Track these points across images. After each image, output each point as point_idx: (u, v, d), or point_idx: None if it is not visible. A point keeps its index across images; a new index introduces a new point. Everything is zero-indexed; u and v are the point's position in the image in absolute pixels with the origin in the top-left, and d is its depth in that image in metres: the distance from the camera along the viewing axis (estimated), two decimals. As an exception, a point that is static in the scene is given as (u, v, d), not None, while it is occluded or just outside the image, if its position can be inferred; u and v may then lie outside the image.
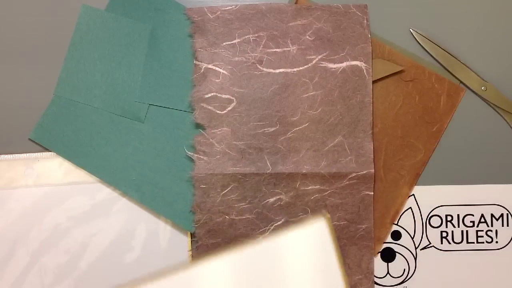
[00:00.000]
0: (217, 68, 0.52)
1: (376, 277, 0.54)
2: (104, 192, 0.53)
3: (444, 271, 0.54)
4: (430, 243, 0.54)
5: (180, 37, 0.53)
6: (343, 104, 0.52)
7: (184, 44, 0.53)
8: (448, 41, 0.54)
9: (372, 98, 0.53)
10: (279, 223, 0.52)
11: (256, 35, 0.52)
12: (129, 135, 0.53)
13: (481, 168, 0.55)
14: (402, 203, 0.54)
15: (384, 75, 0.53)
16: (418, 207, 0.54)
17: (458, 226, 0.54)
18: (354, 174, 0.52)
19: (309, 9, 0.53)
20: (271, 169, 0.52)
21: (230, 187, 0.52)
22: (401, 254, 0.54)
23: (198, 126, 0.52)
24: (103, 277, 0.52)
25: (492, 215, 0.54)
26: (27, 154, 0.53)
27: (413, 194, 0.54)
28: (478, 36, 0.54)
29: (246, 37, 0.52)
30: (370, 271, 0.53)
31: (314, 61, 0.52)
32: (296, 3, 0.54)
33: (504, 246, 0.54)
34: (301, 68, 0.52)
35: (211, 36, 0.52)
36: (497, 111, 0.54)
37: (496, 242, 0.54)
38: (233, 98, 0.52)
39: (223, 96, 0.52)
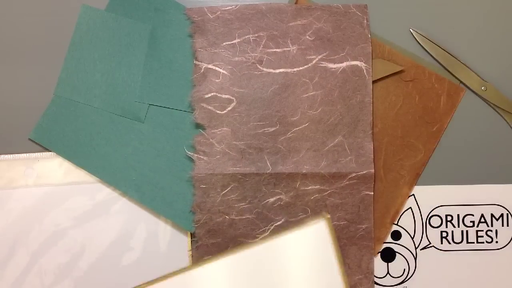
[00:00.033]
0: (217, 68, 0.52)
1: (376, 277, 0.54)
2: (104, 192, 0.53)
3: (444, 271, 0.54)
4: (430, 243, 0.54)
5: (180, 37, 0.53)
6: (343, 104, 0.52)
7: (184, 44, 0.53)
8: (448, 41, 0.54)
9: (372, 98, 0.52)
10: (279, 223, 0.52)
11: (256, 35, 0.52)
12: (129, 135, 0.53)
13: (481, 168, 0.54)
14: (402, 203, 0.54)
15: (384, 75, 0.53)
16: (418, 207, 0.54)
17: (458, 226, 0.54)
18: (354, 174, 0.52)
19: (309, 9, 0.53)
20: (271, 169, 0.52)
21: (230, 187, 0.52)
22: (401, 254, 0.54)
23: (198, 126, 0.52)
24: (103, 277, 0.52)
25: (492, 215, 0.54)
26: (27, 154, 0.53)
27: (413, 194, 0.54)
28: (478, 36, 0.54)
29: (246, 37, 0.52)
30: (370, 271, 0.53)
31: (314, 61, 0.52)
32: (296, 3, 0.54)
33: (504, 246, 0.54)
34: (301, 68, 0.52)
35: (211, 36, 0.52)
36: (497, 111, 0.54)
37: (496, 242, 0.54)
38: (233, 98, 0.52)
39: (223, 96, 0.52)
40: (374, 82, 0.53)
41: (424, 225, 0.54)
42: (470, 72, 0.54)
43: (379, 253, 0.54)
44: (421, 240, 0.54)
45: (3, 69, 0.54)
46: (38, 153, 0.53)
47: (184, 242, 0.53)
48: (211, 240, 0.52)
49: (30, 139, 0.53)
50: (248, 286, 0.40)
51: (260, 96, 0.52)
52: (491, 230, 0.54)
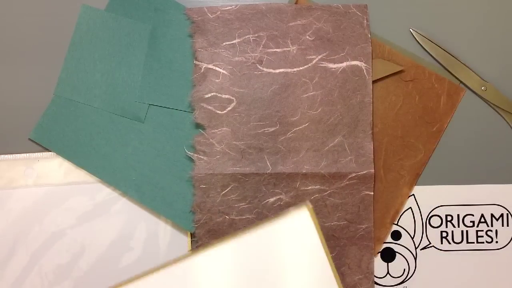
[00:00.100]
0: (217, 68, 0.52)
1: (376, 277, 0.54)
2: (104, 192, 0.53)
3: (444, 271, 0.54)
4: (430, 243, 0.54)
5: (180, 37, 0.53)
6: (343, 104, 0.52)
7: (184, 44, 0.53)
8: (448, 41, 0.54)
9: (372, 98, 0.53)
10: (279, 223, 0.52)
11: (256, 35, 0.52)
12: (129, 135, 0.53)
13: (481, 168, 0.55)
14: (402, 203, 0.54)
15: (384, 75, 0.53)
16: (418, 207, 0.54)
17: (458, 226, 0.54)
18: (354, 174, 0.52)
19: (309, 9, 0.53)
20: (271, 169, 0.52)
21: (230, 187, 0.52)
22: (401, 254, 0.54)
23: (198, 126, 0.52)
24: (103, 277, 0.52)
25: (492, 215, 0.54)
26: (27, 154, 0.53)
27: (413, 194, 0.54)
28: (478, 36, 0.54)
29: (246, 37, 0.52)
30: (370, 271, 0.53)
31: (314, 61, 0.52)
32: (296, 3, 0.54)
33: (504, 246, 0.54)
34: (301, 68, 0.52)
35: (211, 36, 0.52)
36: (497, 111, 0.54)
37: (496, 242, 0.54)
38: (233, 98, 0.52)
39: (223, 96, 0.52)
40: (374, 82, 0.53)
41: (424, 225, 0.54)
42: (470, 72, 0.54)
43: (379, 253, 0.54)
44: (421, 240, 0.54)
45: (3, 69, 0.54)
46: (38, 153, 0.53)
47: (184, 242, 0.53)
48: (211, 240, 0.52)
49: (30, 139, 0.53)
50: (234, 278, 0.40)
51: (260, 96, 0.52)
52: (491, 230, 0.54)
